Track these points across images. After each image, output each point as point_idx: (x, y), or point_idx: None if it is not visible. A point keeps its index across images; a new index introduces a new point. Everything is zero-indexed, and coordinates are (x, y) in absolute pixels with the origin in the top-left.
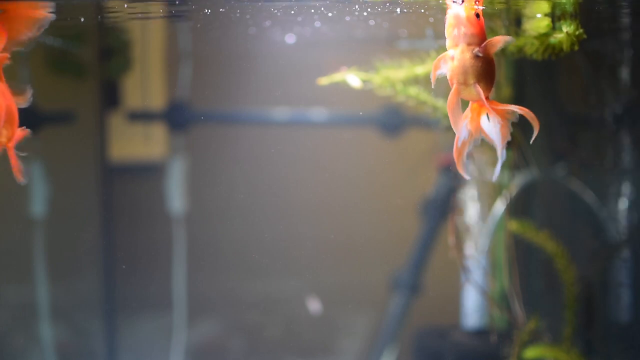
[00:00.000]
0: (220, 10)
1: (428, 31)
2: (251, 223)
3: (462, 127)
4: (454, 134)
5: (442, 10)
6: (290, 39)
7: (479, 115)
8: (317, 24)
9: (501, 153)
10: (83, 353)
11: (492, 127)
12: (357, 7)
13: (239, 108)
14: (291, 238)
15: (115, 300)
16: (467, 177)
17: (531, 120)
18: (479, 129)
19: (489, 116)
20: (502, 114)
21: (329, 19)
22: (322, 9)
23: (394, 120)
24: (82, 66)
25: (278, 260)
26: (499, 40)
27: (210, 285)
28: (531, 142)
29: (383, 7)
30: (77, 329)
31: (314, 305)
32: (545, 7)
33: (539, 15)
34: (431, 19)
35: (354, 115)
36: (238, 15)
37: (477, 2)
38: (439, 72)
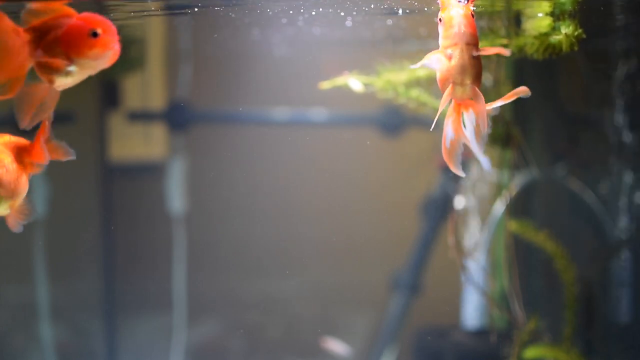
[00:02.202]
0: (216, 8)
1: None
2: (251, 223)
3: (448, 128)
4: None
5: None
6: (290, 39)
7: (459, 115)
8: (318, 24)
9: (479, 149)
10: (83, 353)
11: (469, 126)
12: (357, 8)
13: (239, 108)
14: (291, 238)
15: (115, 300)
16: (462, 175)
17: (521, 93)
18: (461, 128)
19: (466, 115)
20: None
21: (329, 19)
22: (322, 9)
23: (394, 120)
24: None
25: (278, 260)
26: (497, 51)
27: (210, 285)
28: (529, 94)
29: (384, 8)
30: (77, 329)
31: (336, 347)
32: (546, 6)
33: (540, 15)
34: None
35: (354, 115)
36: (236, 15)
37: (470, 3)
38: (426, 63)
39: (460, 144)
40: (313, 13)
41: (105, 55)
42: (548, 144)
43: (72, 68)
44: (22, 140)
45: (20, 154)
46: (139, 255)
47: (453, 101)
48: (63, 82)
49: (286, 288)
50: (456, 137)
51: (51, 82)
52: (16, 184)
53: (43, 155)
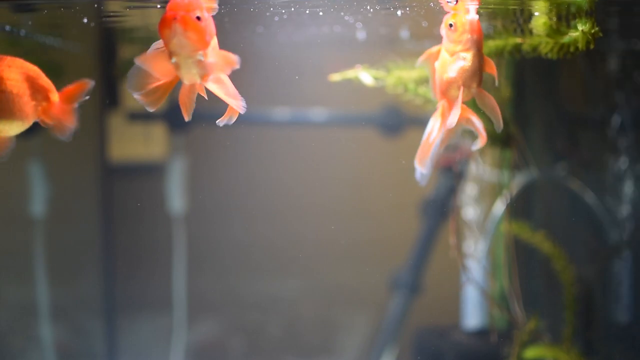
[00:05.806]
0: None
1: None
2: (251, 223)
3: (435, 128)
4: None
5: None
6: (291, 38)
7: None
8: (318, 23)
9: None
10: (83, 353)
11: (439, 135)
12: (357, 7)
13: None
14: (291, 238)
15: (115, 300)
16: (424, 171)
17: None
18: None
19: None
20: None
21: (330, 19)
22: (323, 9)
23: (394, 120)
24: (59, 65)
25: (278, 260)
26: (492, 70)
27: (210, 285)
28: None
29: (384, 5)
30: (77, 329)
31: None
32: (543, 6)
33: (536, 14)
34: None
35: (354, 115)
36: (237, 14)
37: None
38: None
39: (442, 145)
40: (331, 14)
41: (173, 29)
42: (548, 144)
43: (173, 59)
44: (47, 82)
45: (35, 89)
46: (139, 255)
47: (442, 106)
48: (189, 76)
49: (286, 288)
50: (437, 137)
51: (181, 78)
52: (13, 107)
53: (58, 108)
